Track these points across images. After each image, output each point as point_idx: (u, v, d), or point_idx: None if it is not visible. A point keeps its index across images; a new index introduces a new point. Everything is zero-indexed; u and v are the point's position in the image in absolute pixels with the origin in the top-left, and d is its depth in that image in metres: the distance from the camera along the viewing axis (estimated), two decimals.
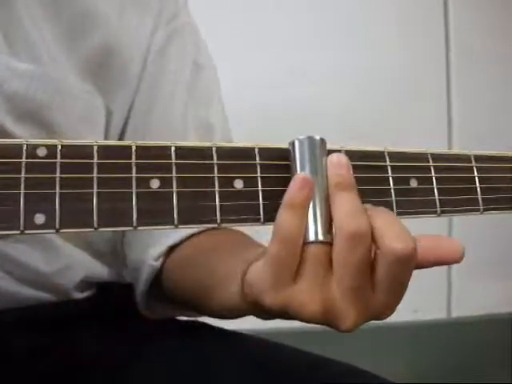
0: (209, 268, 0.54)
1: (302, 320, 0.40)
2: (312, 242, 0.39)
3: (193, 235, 0.60)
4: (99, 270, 0.65)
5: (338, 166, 0.40)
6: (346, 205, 0.39)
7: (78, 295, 0.63)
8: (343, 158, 0.40)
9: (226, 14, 1.33)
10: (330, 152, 0.41)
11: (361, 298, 0.39)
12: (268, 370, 0.57)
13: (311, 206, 0.39)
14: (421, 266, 0.41)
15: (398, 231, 0.39)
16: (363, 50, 1.46)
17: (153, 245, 0.61)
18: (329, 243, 0.39)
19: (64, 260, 0.61)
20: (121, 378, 0.59)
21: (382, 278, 0.39)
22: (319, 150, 0.40)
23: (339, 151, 0.42)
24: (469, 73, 1.53)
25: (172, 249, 0.61)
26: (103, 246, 0.65)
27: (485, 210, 0.45)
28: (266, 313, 0.42)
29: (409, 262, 0.39)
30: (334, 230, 0.39)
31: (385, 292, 0.40)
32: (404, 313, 1.43)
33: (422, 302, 1.47)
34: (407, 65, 1.49)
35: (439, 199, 0.44)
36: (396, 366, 1.32)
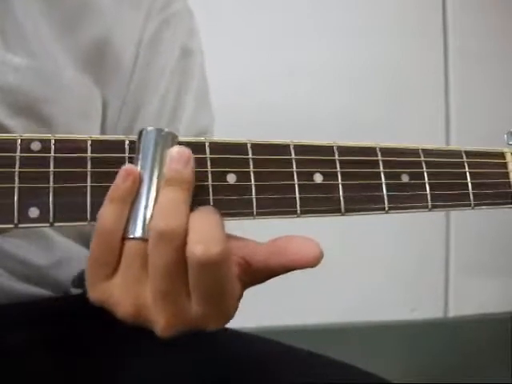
0: None
1: (121, 319, 0.39)
2: (132, 238, 0.37)
3: None
4: None
5: (174, 160, 0.38)
6: (164, 201, 0.37)
7: (76, 290, 0.64)
8: (184, 152, 0.38)
9: (225, 14, 1.34)
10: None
11: (172, 303, 0.37)
12: (267, 369, 0.57)
13: (142, 200, 0.37)
14: (274, 271, 0.39)
15: (204, 234, 0.36)
16: (363, 48, 1.46)
17: None
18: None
19: (60, 253, 0.61)
20: (119, 374, 0.59)
21: (192, 284, 0.37)
22: (163, 143, 0.38)
23: (332, 147, 0.42)
24: (467, 71, 1.54)
25: None
26: None
27: (476, 205, 0.45)
28: None
29: (213, 269, 0.36)
30: None
31: (199, 300, 0.38)
32: (401, 312, 1.44)
33: (419, 300, 1.48)
34: (405, 64, 1.49)
35: (430, 194, 0.43)
36: (393, 365, 1.32)
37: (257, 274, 0.39)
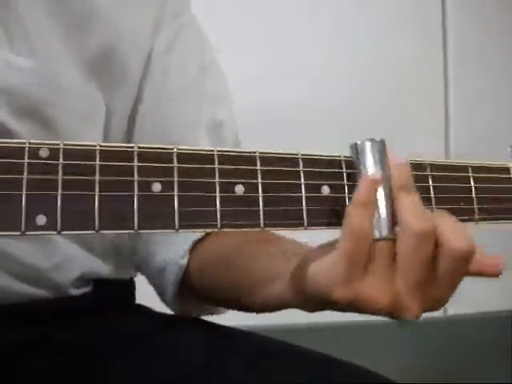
0: (245, 268, 0.56)
1: (367, 313, 0.42)
2: (379, 239, 0.41)
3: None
4: (98, 267, 0.65)
5: (400, 168, 0.42)
6: (411, 205, 0.41)
7: (75, 291, 0.63)
8: (404, 160, 0.43)
9: (225, 14, 1.33)
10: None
11: (424, 291, 0.42)
12: (270, 367, 0.57)
13: (381, 203, 0.41)
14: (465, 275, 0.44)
15: (459, 231, 0.42)
16: (362, 47, 1.46)
17: (176, 243, 0.61)
18: (392, 239, 0.41)
19: (60, 255, 0.61)
20: (119, 374, 0.59)
21: (443, 273, 0.42)
22: (382, 151, 0.42)
23: (340, 161, 0.43)
24: (466, 70, 1.53)
25: (195, 245, 0.61)
26: (99, 243, 0.65)
27: (480, 219, 0.46)
28: (327, 306, 0.44)
29: (469, 259, 0.42)
30: (397, 227, 0.42)
31: (445, 285, 0.43)
32: None
33: None
34: (405, 62, 1.49)
35: (436, 208, 0.44)
36: (391, 363, 1.32)
37: None
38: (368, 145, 0.42)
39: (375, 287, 0.41)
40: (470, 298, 1.53)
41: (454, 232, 0.42)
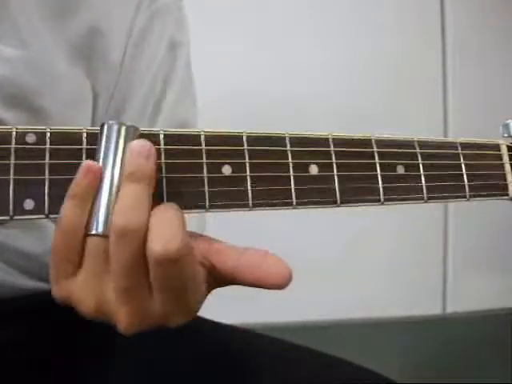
0: None
1: (81, 314, 0.39)
2: (93, 235, 0.37)
3: None
4: None
5: (134, 155, 0.37)
6: (126, 198, 0.37)
7: None
8: (145, 146, 0.37)
9: (224, 13, 1.34)
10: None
11: (134, 298, 0.37)
12: (268, 366, 0.57)
13: (102, 196, 0.37)
14: (238, 282, 0.39)
15: (164, 232, 0.36)
16: (362, 45, 1.46)
17: None
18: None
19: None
20: (119, 366, 0.59)
21: (152, 280, 0.37)
22: (125, 136, 0.38)
23: (327, 138, 0.42)
24: (465, 70, 1.54)
25: None
26: None
27: (471, 196, 0.45)
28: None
29: (172, 266, 0.36)
30: None
31: (160, 296, 0.38)
32: (398, 308, 1.44)
33: (416, 297, 1.47)
34: (404, 62, 1.49)
35: (426, 186, 0.44)
36: (390, 362, 1.32)
37: (220, 278, 0.39)
38: (112, 127, 0.38)
39: (84, 288, 0.37)
40: (469, 296, 1.54)
41: (158, 232, 0.36)
